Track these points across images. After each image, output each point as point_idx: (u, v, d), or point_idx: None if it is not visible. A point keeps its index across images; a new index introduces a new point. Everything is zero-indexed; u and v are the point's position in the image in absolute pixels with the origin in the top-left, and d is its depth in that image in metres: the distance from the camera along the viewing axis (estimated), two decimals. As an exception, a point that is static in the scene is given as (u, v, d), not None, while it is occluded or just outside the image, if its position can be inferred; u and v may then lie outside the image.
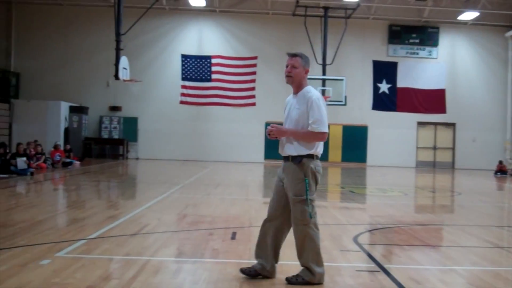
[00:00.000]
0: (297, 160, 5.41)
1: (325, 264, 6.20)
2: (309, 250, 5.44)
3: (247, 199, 13.04)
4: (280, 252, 5.74)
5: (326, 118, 5.40)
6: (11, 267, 5.75)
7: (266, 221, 5.68)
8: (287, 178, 5.48)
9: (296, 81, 5.58)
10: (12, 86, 28.20)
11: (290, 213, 5.55)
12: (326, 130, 5.38)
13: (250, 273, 5.60)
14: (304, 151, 5.41)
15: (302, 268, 5.53)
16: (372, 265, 6.40)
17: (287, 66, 5.60)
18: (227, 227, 8.82)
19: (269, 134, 5.49)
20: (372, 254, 7.07)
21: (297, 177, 5.40)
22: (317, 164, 5.50)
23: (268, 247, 5.62)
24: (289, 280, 5.50)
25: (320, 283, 5.50)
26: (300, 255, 5.52)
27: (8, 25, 29.72)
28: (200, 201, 12.24)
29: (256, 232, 8.34)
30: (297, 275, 5.50)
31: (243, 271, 5.64)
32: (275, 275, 5.68)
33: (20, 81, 29.55)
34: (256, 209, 11.49)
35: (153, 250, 6.87)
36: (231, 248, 7.12)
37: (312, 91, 5.55)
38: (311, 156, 5.43)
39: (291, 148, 5.44)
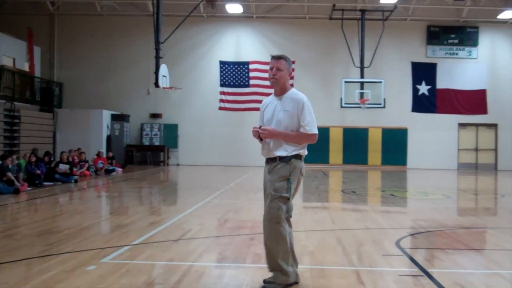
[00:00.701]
0: (287, 159, 5.41)
1: (367, 268, 6.20)
2: (279, 250, 5.31)
3: (287, 204, 13.04)
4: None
5: (315, 120, 5.50)
6: (58, 273, 5.89)
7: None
8: (270, 175, 5.44)
9: (280, 84, 5.59)
10: (55, 96, 28.81)
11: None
12: (317, 131, 5.49)
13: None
14: (293, 151, 5.43)
15: (273, 274, 5.39)
16: (415, 270, 6.33)
17: (271, 69, 5.62)
18: (268, 232, 8.84)
19: (257, 135, 5.46)
20: (415, 258, 7.01)
21: (281, 175, 5.37)
22: (303, 166, 5.54)
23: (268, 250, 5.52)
24: (265, 281, 5.38)
25: (296, 282, 5.48)
26: (270, 256, 5.37)
27: (51, 36, 30.44)
28: (241, 206, 12.31)
29: (297, 237, 8.38)
30: (271, 282, 5.36)
31: (267, 282, 5.53)
32: (299, 278, 5.60)
33: (63, 90, 30.21)
34: (296, 213, 11.45)
35: (196, 256, 6.94)
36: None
37: (300, 93, 5.60)
38: (299, 157, 5.46)
39: (281, 150, 5.42)
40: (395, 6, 27.16)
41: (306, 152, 5.57)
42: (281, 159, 5.41)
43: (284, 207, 5.33)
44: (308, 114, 5.45)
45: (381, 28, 27.59)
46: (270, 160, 5.51)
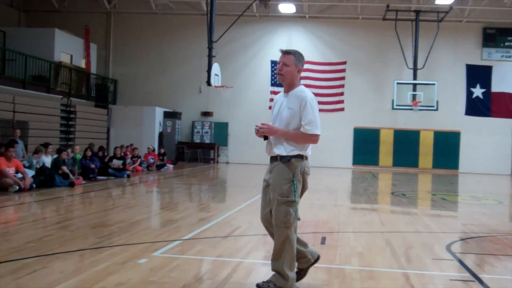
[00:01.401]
0: (286, 159, 5.19)
1: (417, 272, 6.17)
2: (286, 254, 5.15)
3: (336, 205, 13.04)
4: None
5: (319, 120, 5.24)
6: (111, 265, 6.04)
7: (264, 225, 5.47)
8: (273, 178, 5.25)
9: (287, 80, 5.29)
10: (110, 92, 29.45)
11: None
12: (319, 132, 5.18)
13: (300, 276, 5.49)
14: (294, 151, 5.19)
15: (273, 273, 5.25)
16: (466, 275, 6.24)
17: (278, 63, 5.33)
18: (316, 232, 8.88)
19: (257, 131, 5.29)
20: (466, 263, 6.90)
21: (284, 177, 5.17)
22: (306, 165, 5.28)
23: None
24: (259, 287, 5.22)
25: (317, 260, 5.53)
26: (276, 259, 5.21)
27: (107, 34, 31.13)
28: (290, 206, 12.31)
29: (345, 238, 8.41)
30: (268, 281, 5.21)
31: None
32: (317, 253, 5.61)
33: (118, 87, 30.85)
34: (345, 214, 11.48)
35: (244, 252, 7.02)
36: (321, 253, 7.09)
37: (306, 91, 5.30)
38: (300, 157, 5.21)
39: (280, 148, 5.23)
40: (450, 7, 26.70)
41: (310, 153, 5.34)
42: (281, 158, 5.23)
43: (292, 210, 5.13)
44: (310, 113, 5.16)
45: (435, 29, 27.15)
46: (272, 159, 5.35)
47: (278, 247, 5.20)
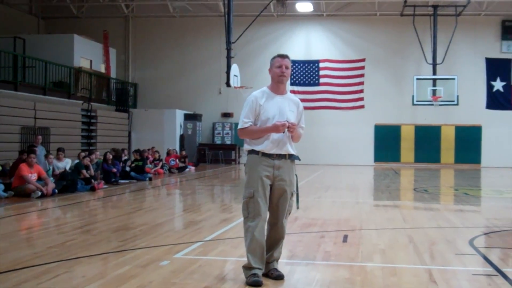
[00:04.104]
0: (294, 157, 5.64)
1: (439, 267, 6.16)
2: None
3: (358, 202, 13.01)
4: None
5: None
6: (133, 268, 6.07)
7: (263, 224, 5.59)
8: (286, 175, 5.55)
9: (286, 82, 5.78)
10: (130, 96, 29.64)
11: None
12: None
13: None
14: (295, 150, 5.65)
15: (276, 262, 5.67)
16: (490, 269, 6.20)
17: (280, 67, 5.66)
18: (338, 230, 8.87)
19: (289, 129, 5.44)
20: (489, 257, 6.86)
21: (293, 173, 5.65)
22: None
23: (265, 249, 5.57)
24: (280, 277, 5.56)
25: None
26: (279, 248, 5.69)
27: (125, 38, 31.36)
28: (311, 204, 12.34)
29: (368, 235, 8.38)
30: (276, 269, 5.62)
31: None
32: None
33: (138, 91, 31.06)
34: (367, 212, 11.46)
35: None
36: (343, 251, 7.15)
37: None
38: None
39: (290, 147, 5.58)
40: (468, 1, 26.43)
41: None
42: (290, 156, 5.60)
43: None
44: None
45: (454, 23, 26.95)
46: (279, 157, 5.55)
47: (283, 237, 5.71)
